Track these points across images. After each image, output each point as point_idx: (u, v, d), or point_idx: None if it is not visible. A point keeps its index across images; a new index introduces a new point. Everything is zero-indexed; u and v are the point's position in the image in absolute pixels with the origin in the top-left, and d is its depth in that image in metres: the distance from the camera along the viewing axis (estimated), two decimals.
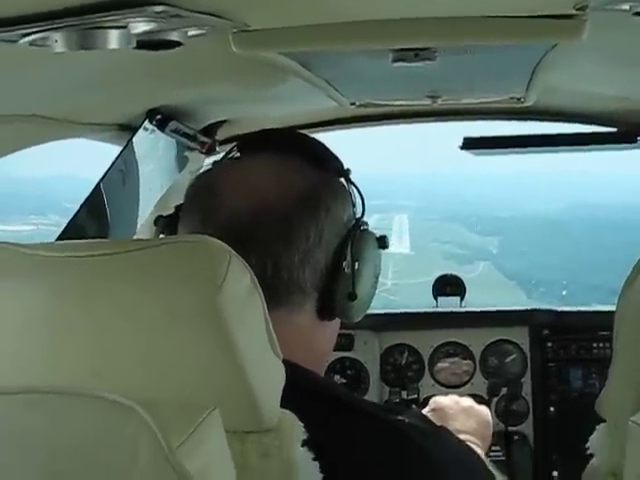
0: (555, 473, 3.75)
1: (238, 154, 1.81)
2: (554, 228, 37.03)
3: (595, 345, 3.82)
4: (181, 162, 3.18)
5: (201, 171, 1.82)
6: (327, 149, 1.80)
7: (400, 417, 1.64)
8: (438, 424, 1.77)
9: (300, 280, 1.66)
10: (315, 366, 1.72)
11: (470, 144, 3.30)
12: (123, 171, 2.71)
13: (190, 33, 1.51)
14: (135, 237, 2.84)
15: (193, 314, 1.29)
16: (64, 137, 2.30)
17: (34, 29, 1.30)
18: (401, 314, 4.18)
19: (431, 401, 2.61)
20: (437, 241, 39.06)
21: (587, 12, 1.61)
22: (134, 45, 1.38)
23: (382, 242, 1.83)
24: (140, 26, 1.35)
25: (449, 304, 4.05)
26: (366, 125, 3.57)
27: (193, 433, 1.13)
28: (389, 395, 3.78)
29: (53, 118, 2.10)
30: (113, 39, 1.31)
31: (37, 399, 1.12)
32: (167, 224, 1.83)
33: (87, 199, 2.54)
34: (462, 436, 2.35)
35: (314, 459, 1.42)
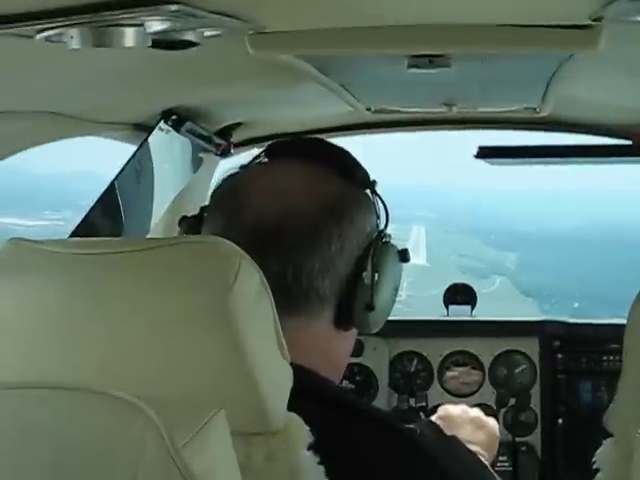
0: None
1: (266, 159, 1.82)
2: (572, 245, 36.73)
3: (605, 358, 3.81)
4: (196, 163, 3.19)
5: (227, 173, 1.83)
6: (354, 159, 1.80)
7: (412, 426, 1.64)
8: (448, 433, 1.77)
9: (319, 288, 1.66)
10: (331, 374, 1.72)
11: (485, 153, 3.30)
12: (138, 170, 2.72)
13: (206, 33, 1.51)
14: (148, 236, 2.85)
15: (203, 314, 1.29)
16: (79, 135, 2.31)
17: (50, 25, 1.31)
18: (411, 322, 4.17)
19: (440, 409, 2.61)
20: (454, 254, 38.83)
21: (603, 23, 1.60)
22: (149, 44, 1.39)
23: (403, 255, 1.83)
24: (155, 25, 1.35)
25: (460, 313, 4.05)
26: (381, 131, 3.56)
27: (198, 433, 1.13)
28: (397, 402, 3.78)
29: (69, 115, 2.11)
30: (128, 37, 1.31)
31: (47, 395, 1.13)
32: (191, 225, 1.83)
33: (101, 197, 2.55)
34: (469, 446, 2.35)
35: (319, 463, 1.42)
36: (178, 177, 3.13)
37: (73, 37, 1.32)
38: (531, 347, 3.87)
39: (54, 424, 1.09)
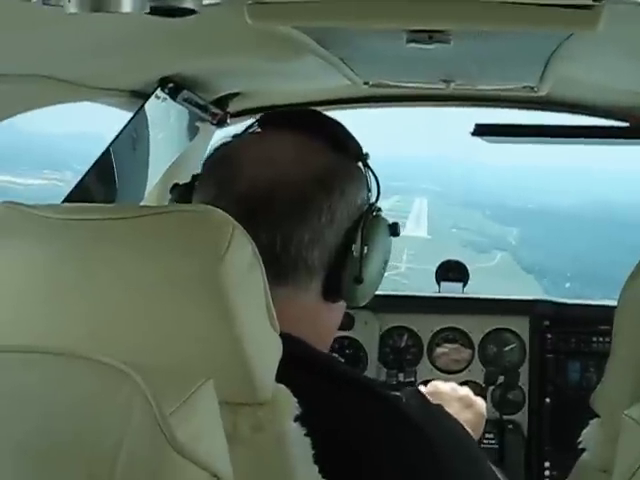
0: (547, 464, 3.75)
1: (258, 129, 1.82)
2: (575, 223, 36.56)
3: (595, 339, 3.82)
4: (191, 132, 3.18)
5: (220, 142, 1.82)
6: (348, 132, 1.80)
7: (398, 394, 1.64)
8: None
9: (308, 259, 1.66)
10: (319, 345, 1.72)
11: (482, 130, 3.29)
12: (133, 137, 2.71)
13: (205, 1, 1.50)
14: (142, 204, 2.85)
15: (194, 283, 1.29)
16: (75, 100, 2.30)
17: None
18: (403, 297, 4.18)
19: (429, 385, 2.61)
20: (456, 227, 38.70)
21: (603, 3, 1.60)
22: (147, 10, 1.37)
23: (394, 229, 1.84)
24: None
25: (452, 290, 4.05)
26: (379, 106, 3.56)
27: (186, 402, 1.13)
28: (386, 377, 3.79)
29: (65, 80, 2.10)
30: (126, 3, 1.30)
31: (35, 359, 1.13)
32: (182, 193, 1.83)
33: (96, 162, 2.54)
34: (464, 412, 2.38)
35: (306, 435, 1.42)
36: (173, 145, 3.12)
37: (70, 0, 1.31)
38: (521, 326, 3.88)
39: (41, 388, 1.09)
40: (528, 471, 3.71)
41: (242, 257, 1.32)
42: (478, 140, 3.36)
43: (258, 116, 1.84)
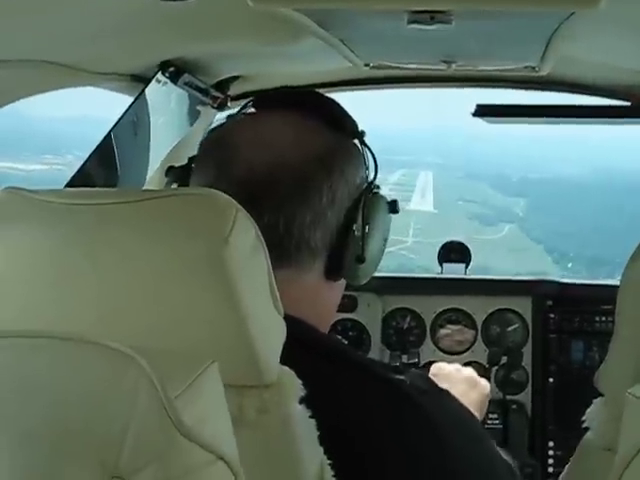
0: (551, 443, 3.76)
1: (253, 109, 1.82)
2: (580, 192, 36.12)
3: (597, 319, 3.82)
4: (193, 116, 3.18)
5: (215, 124, 1.82)
6: (344, 110, 1.80)
7: (402, 377, 1.65)
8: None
9: (311, 240, 1.66)
10: (320, 325, 1.73)
11: (483, 111, 3.29)
12: (134, 122, 2.71)
13: None
14: (144, 188, 2.85)
15: (198, 266, 1.30)
16: (76, 85, 2.30)
17: None
18: (405, 278, 4.18)
19: (433, 366, 2.62)
20: (462, 199, 38.41)
21: None
22: None
23: (393, 206, 1.84)
24: None
25: (454, 271, 4.06)
26: (380, 87, 3.55)
27: (191, 385, 1.13)
28: (389, 358, 3.78)
29: (65, 65, 2.10)
30: None
31: (42, 343, 1.13)
32: (179, 176, 1.83)
33: (98, 147, 2.54)
34: (468, 393, 2.38)
35: (311, 416, 1.43)
36: (175, 129, 3.12)
37: None
38: (524, 306, 3.88)
39: (48, 373, 1.10)
40: (532, 451, 3.72)
41: (245, 240, 1.33)
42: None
43: None
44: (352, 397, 1.58)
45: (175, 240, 1.30)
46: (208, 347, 1.31)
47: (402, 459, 1.56)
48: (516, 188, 38.97)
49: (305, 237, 1.66)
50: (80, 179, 2.46)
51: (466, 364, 2.67)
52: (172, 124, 3.10)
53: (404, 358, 3.75)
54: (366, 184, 1.77)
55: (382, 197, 1.80)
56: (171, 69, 2.60)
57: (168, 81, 2.65)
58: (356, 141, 1.79)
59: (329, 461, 1.44)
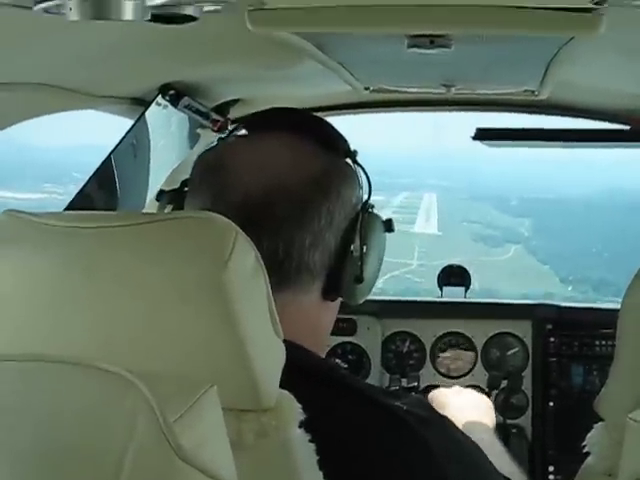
0: (551, 468, 3.75)
1: (245, 131, 1.82)
2: (589, 212, 35.93)
3: (598, 342, 3.81)
4: (192, 139, 3.18)
5: (209, 147, 1.82)
6: (335, 130, 1.80)
7: (399, 403, 1.64)
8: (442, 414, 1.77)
9: (310, 262, 1.67)
10: (317, 348, 1.73)
11: (482, 135, 3.30)
12: (134, 145, 2.71)
13: (205, 8, 1.50)
14: (144, 211, 2.85)
15: (198, 290, 1.29)
16: (76, 108, 2.30)
17: None
18: (405, 302, 4.18)
19: (434, 394, 2.61)
20: (466, 221, 38.24)
21: (605, 7, 1.60)
22: (148, 18, 1.38)
23: (388, 225, 1.84)
24: None
25: (454, 294, 4.05)
26: (380, 111, 3.57)
27: (190, 409, 1.13)
28: (389, 382, 3.78)
29: (66, 88, 2.10)
30: (127, 10, 1.30)
31: (41, 367, 1.13)
32: (173, 198, 1.83)
33: (97, 170, 2.55)
34: (473, 414, 2.37)
35: (311, 441, 1.42)
36: (174, 152, 3.13)
37: (72, 8, 1.32)
38: (524, 330, 3.88)
39: (46, 397, 1.09)
40: (532, 475, 3.70)
41: (245, 263, 1.32)
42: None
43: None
44: (350, 423, 1.57)
45: (175, 263, 1.30)
46: (207, 371, 1.30)
47: None
48: (520, 209, 38.87)
49: (305, 260, 1.66)
50: (80, 202, 2.46)
51: (466, 388, 2.66)
52: (172, 147, 3.10)
53: (404, 382, 3.73)
54: (361, 203, 1.77)
55: (377, 216, 1.81)
56: (171, 92, 2.61)
57: (168, 104, 2.66)
58: (349, 160, 1.79)
59: None
